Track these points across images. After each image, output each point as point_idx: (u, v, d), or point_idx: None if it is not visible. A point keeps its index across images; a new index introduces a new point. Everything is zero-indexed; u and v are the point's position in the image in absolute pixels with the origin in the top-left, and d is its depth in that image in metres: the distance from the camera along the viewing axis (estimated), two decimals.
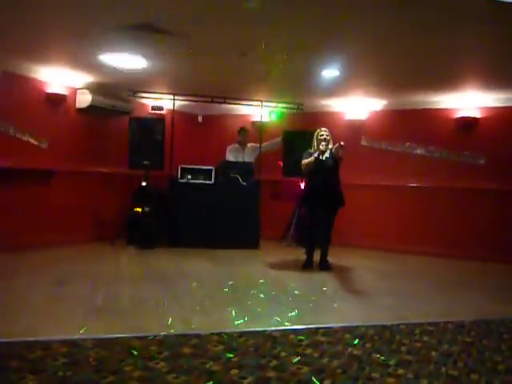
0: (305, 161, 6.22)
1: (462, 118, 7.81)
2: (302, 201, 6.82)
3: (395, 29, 4.66)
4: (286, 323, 3.85)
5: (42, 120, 7.09)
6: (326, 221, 6.28)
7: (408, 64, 5.94)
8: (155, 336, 3.41)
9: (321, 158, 6.13)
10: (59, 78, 7.14)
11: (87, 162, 7.71)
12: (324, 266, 6.31)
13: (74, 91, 7.50)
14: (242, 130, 8.67)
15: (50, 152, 7.13)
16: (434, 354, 3.31)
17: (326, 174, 6.15)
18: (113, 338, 3.34)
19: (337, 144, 5.97)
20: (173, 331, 3.55)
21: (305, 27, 4.67)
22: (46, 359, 2.92)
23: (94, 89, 7.54)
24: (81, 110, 7.57)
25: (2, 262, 5.93)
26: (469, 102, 7.69)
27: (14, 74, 6.63)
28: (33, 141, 6.92)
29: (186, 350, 3.16)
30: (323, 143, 6.11)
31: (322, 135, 6.20)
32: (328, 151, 6.16)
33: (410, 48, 5.27)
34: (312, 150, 6.24)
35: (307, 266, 6.30)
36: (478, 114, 7.74)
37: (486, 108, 7.70)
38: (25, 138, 6.81)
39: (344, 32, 4.81)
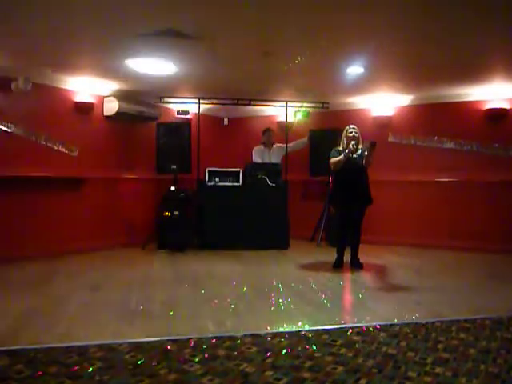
0: (334, 159, 6.13)
1: (491, 109, 7.66)
2: (330, 199, 6.76)
3: (421, 23, 4.59)
4: (319, 323, 3.83)
5: (72, 129, 7.22)
6: (356, 219, 6.24)
7: (434, 57, 5.85)
8: (189, 339, 3.43)
9: (351, 155, 6.06)
10: (87, 86, 7.26)
11: (116, 168, 7.81)
12: (355, 264, 6.26)
13: (101, 99, 7.61)
14: (267, 131, 8.67)
15: (80, 160, 7.24)
16: (472, 351, 3.24)
17: (355, 172, 6.09)
18: (148, 342, 3.37)
19: (367, 142, 5.90)
20: (207, 334, 3.57)
21: (328, 24, 4.64)
22: (83, 364, 2.96)
23: (120, 96, 7.64)
24: (108, 117, 7.68)
25: (36, 270, 6.04)
26: (497, 93, 7.53)
27: (43, 85, 6.76)
28: (63, 149, 7.04)
29: (221, 353, 3.17)
30: (353, 142, 6.02)
31: (351, 132, 6.13)
32: (360, 150, 6.09)
33: (436, 41, 5.18)
34: (341, 148, 6.17)
35: (338, 265, 6.26)
36: (507, 105, 7.57)
37: None
38: (56, 147, 6.94)
39: (368, 28, 4.76)
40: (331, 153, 6.22)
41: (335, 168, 6.17)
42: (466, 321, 3.92)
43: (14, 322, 3.86)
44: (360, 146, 6.11)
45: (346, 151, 6.03)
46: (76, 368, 2.89)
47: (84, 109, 7.36)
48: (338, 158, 6.09)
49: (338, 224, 6.52)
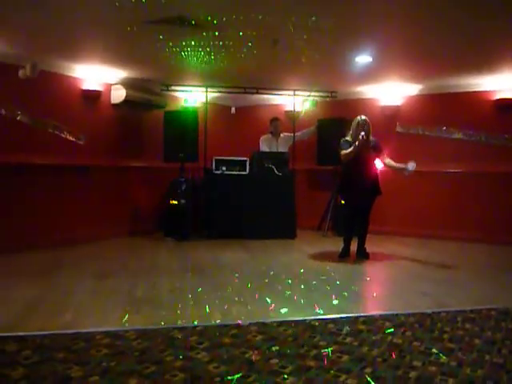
0: (345, 151, 6.02)
1: (501, 99, 7.59)
2: (339, 190, 6.75)
3: (430, 12, 4.55)
4: (325, 312, 3.84)
5: (79, 116, 7.22)
6: (364, 210, 6.23)
7: (443, 46, 5.80)
8: (195, 327, 3.46)
9: (363, 147, 6.00)
10: (94, 74, 7.25)
11: (123, 156, 7.82)
12: (362, 254, 6.26)
13: (109, 87, 7.61)
14: (274, 120, 8.64)
15: (88, 148, 7.25)
16: (477, 341, 3.25)
17: (365, 163, 6.05)
18: (154, 329, 3.39)
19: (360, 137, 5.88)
20: (213, 322, 3.59)
21: (336, 12, 4.61)
22: (90, 350, 2.99)
23: (127, 84, 7.64)
24: (116, 105, 7.67)
25: (44, 258, 6.10)
26: (507, 83, 7.45)
27: (51, 73, 6.76)
28: (71, 137, 7.05)
29: (226, 340, 3.19)
30: (362, 133, 5.89)
31: (362, 124, 5.98)
32: (371, 141, 6.04)
33: (445, 31, 5.13)
34: (350, 138, 6.07)
35: (344, 254, 6.26)
36: None
37: None
38: (63, 135, 6.95)
39: (376, 16, 4.72)
40: (341, 143, 6.11)
41: (346, 159, 6.10)
42: (471, 311, 3.93)
43: (22, 309, 3.90)
44: (371, 138, 6.06)
45: (356, 143, 5.92)
46: (83, 354, 2.92)
47: (91, 96, 7.35)
48: (348, 150, 5.98)
49: (345, 214, 6.53)
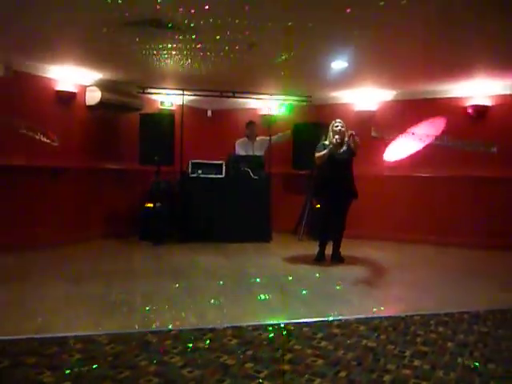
0: (319, 154, 6.12)
1: (473, 106, 7.73)
2: (314, 193, 6.79)
3: (404, 18, 4.61)
4: (300, 316, 3.85)
5: (53, 118, 7.11)
6: (339, 213, 6.27)
7: (417, 53, 5.89)
8: (170, 331, 3.43)
9: (337, 151, 6.06)
10: (69, 75, 7.15)
11: (98, 158, 7.73)
12: (337, 258, 6.30)
13: (84, 89, 7.52)
14: (250, 124, 8.65)
15: (62, 149, 7.15)
16: (449, 344, 3.29)
17: (340, 167, 6.09)
18: (128, 334, 3.36)
19: (350, 134, 5.94)
20: (187, 326, 3.57)
21: (313, 18, 4.63)
22: (63, 355, 2.94)
23: (103, 86, 7.56)
24: (91, 107, 7.58)
25: (16, 261, 5.97)
26: (480, 90, 7.60)
27: (24, 73, 6.65)
28: (44, 139, 6.95)
29: (201, 345, 3.17)
30: (337, 136, 6.02)
31: (337, 126, 6.10)
32: (345, 145, 6.10)
33: (419, 37, 5.21)
34: (327, 142, 6.14)
35: (320, 258, 6.29)
36: (489, 102, 7.66)
37: (497, 96, 7.61)
38: (37, 136, 6.84)
39: (352, 22, 4.76)
40: (317, 147, 6.20)
41: (319, 162, 6.17)
42: (444, 314, 3.98)
43: None
44: (346, 140, 6.11)
45: (330, 146, 6.03)
46: (55, 359, 2.87)
47: (66, 98, 7.25)
48: (322, 153, 6.08)
49: (321, 218, 6.55)
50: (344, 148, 6.10)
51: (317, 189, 6.53)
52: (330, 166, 6.08)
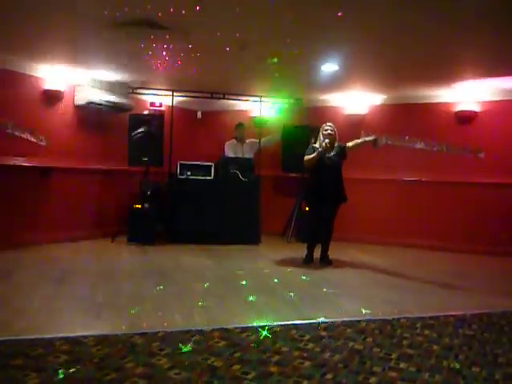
0: (308, 157, 6.14)
1: (461, 111, 7.81)
2: (304, 197, 6.82)
3: (393, 23, 4.65)
4: (287, 318, 3.86)
5: (41, 117, 7.07)
6: (328, 217, 6.29)
7: (407, 58, 5.93)
8: (157, 332, 3.42)
9: (327, 154, 6.09)
10: (57, 74, 7.10)
11: (86, 159, 7.69)
12: (325, 260, 6.32)
13: (72, 88, 7.48)
14: (239, 126, 8.66)
15: (49, 149, 7.11)
16: (435, 347, 3.32)
17: (330, 170, 6.12)
18: (114, 335, 3.34)
19: (372, 138, 6.10)
20: (174, 328, 3.56)
21: (303, 22, 4.65)
22: (48, 357, 2.92)
23: (92, 85, 7.52)
24: (79, 106, 7.54)
25: (2, 261, 5.93)
26: (468, 95, 7.68)
27: (11, 72, 6.60)
28: (32, 138, 6.90)
29: (188, 347, 3.16)
30: (327, 140, 6.04)
31: (326, 130, 6.12)
32: (336, 148, 6.13)
33: (408, 42, 5.25)
34: (317, 145, 6.16)
35: (308, 261, 6.31)
36: (477, 108, 7.73)
37: (485, 102, 7.69)
38: (24, 136, 6.79)
39: (343, 26, 4.79)
40: (307, 150, 6.22)
41: (308, 165, 6.19)
42: (430, 318, 4.01)
43: None
44: (336, 144, 6.15)
45: (320, 149, 6.05)
46: (41, 361, 2.85)
47: (53, 97, 7.20)
48: (311, 156, 6.10)
49: (310, 221, 6.57)
50: (334, 152, 6.13)
51: (307, 192, 6.56)
52: (319, 169, 6.11)
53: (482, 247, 7.42)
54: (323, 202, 6.18)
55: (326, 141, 6.04)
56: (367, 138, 6.27)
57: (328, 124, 6.20)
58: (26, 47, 5.94)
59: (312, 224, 6.48)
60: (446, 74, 6.64)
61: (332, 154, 6.13)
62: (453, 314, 4.14)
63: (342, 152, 6.18)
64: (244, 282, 5.14)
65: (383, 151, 8.27)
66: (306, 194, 6.70)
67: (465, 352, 3.24)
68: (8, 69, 6.50)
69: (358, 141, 6.27)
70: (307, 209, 7.39)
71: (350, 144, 6.22)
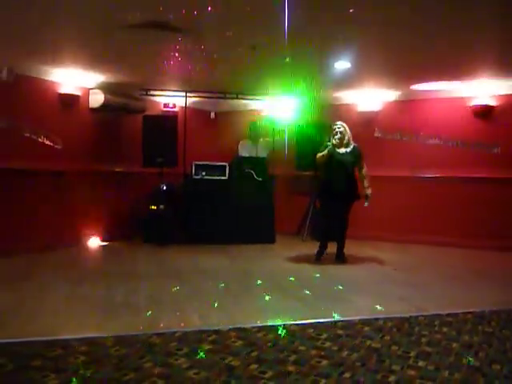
0: (319, 154, 6.18)
1: (477, 106, 7.71)
2: (318, 195, 6.83)
3: (407, 18, 4.60)
4: (304, 317, 3.85)
5: (57, 121, 7.14)
6: (341, 215, 6.27)
7: (421, 53, 5.87)
8: (174, 333, 3.43)
9: (337, 150, 6.12)
10: (72, 78, 7.17)
11: (102, 161, 7.74)
12: (341, 258, 6.31)
13: (87, 91, 7.54)
14: (253, 125, 8.66)
15: (65, 152, 7.17)
16: (454, 345, 3.29)
17: (341, 167, 6.12)
18: (132, 336, 3.36)
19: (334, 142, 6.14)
20: (192, 327, 3.57)
21: (315, 19, 4.64)
22: (67, 358, 2.95)
23: (106, 88, 7.58)
24: (94, 109, 7.61)
25: (21, 263, 6.00)
26: (483, 89, 7.58)
27: (27, 76, 6.67)
28: (48, 142, 6.97)
29: (206, 346, 3.17)
30: (336, 136, 6.12)
31: (334, 129, 6.20)
32: (350, 146, 6.18)
33: (422, 37, 5.20)
34: (330, 143, 6.18)
35: (319, 257, 6.36)
36: (492, 102, 7.63)
37: (501, 96, 7.59)
38: (40, 139, 6.86)
39: (355, 23, 4.76)
40: (321, 148, 6.25)
41: (319, 162, 6.25)
42: (448, 315, 3.97)
43: None
44: (351, 142, 6.19)
45: (330, 146, 6.10)
46: (60, 362, 2.88)
47: (69, 101, 7.28)
48: (321, 153, 6.16)
49: (322, 218, 6.58)
50: (346, 149, 6.16)
51: (319, 189, 6.59)
52: (330, 166, 6.16)
53: (499, 243, 7.32)
54: (334, 199, 6.19)
55: (336, 137, 6.13)
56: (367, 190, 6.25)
57: (338, 122, 6.29)
58: (41, 52, 5.98)
59: (323, 222, 6.53)
60: (463, 67, 6.55)
61: (344, 151, 6.16)
62: (471, 310, 4.10)
63: (357, 152, 6.20)
64: (260, 282, 5.13)
65: (398, 148, 8.23)
66: (318, 191, 6.73)
67: (484, 349, 3.20)
68: (24, 74, 6.56)
69: (365, 183, 6.26)
70: (318, 206, 7.41)
71: (363, 172, 6.29)
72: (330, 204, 6.29)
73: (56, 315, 3.86)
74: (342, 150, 6.15)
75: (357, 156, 6.20)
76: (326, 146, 6.17)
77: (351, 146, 6.19)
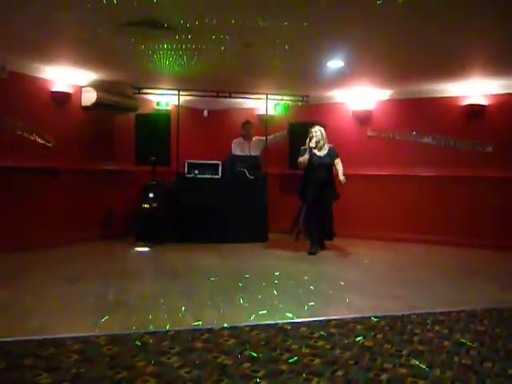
0: (300, 158, 6.63)
1: (469, 105, 7.74)
2: (299, 194, 7.04)
3: (399, 17, 4.62)
4: (297, 315, 3.85)
5: (49, 118, 7.11)
6: (324, 211, 6.66)
7: (413, 52, 5.90)
8: (167, 331, 3.43)
9: (317, 154, 6.57)
10: (64, 76, 7.14)
11: (94, 159, 7.72)
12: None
13: (79, 89, 7.51)
14: (246, 124, 8.66)
15: (57, 150, 7.14)
16: (446, 343, 3.30)
17: (321, 170, 6.55)
18: (125, 334, 3.35)
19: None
20: (184, 326, 3.56)
21: (308, 17, 4.64)
22: (60, 356, 2.93)
23: (98, 86, 7.55)
24: (86, 107, 7.58)
25: (13, 262, 5.96)
26: (475, 89, 7.62)
27: (20, 74, 6.64)
28: (40, 139, 6.94)
29: (198, 345, 3.17)
30: (313, 140, 6.56)
31: (311, 132, 6.61)
32: (326, 148, 6.62)
33: (414, 36, 5.22)
34: (307, 147, 6.61)
35: (313, 252, 6.64)
36: (484, 102, 7.67)
37: (492, 95, 7.63)
38: (32, 137, 6.83)
39: (347, 22, 4.77)
40: (300, 151, 6.70)
41: (301, 166, 6.70)
42: (441, 313, 3.99)
43: None
44: (326, 145, 6.64)
45: (308, 149, 6.55)
46: (52, 360, 2.86)
47: (61, 98, 7.24)
48: (302, 158, 6.60)
49: (308, 218, 6.97)
50: (324, 152, 6.61)
51: (302, 190, 6.93)
52: (312, 169, 6.62)
53: (492, 242, 7.38)
54: (316, 200, 6.61)
55: (313, 140, 6.56)
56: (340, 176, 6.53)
57: (314, 127, 6.70)
58: (33, 49, 5.96)
59: (310, 221, 6.87)
60: (455, 67, 6.59)
61: (322, 154, 6.61)
62: (463, 309, 4.12)
63: (332, 153, 6.65)
64: (252, 280, 5.14)
65: (391, 147, 8.25)
66: (301, 192, 7.00)
67: (476, 348, 3.21)
68: (16, 71, 6.53)
69: (339, 169, 6.61)
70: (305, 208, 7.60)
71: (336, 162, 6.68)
72: (312, 206, 6.69)
73: (49, 314, 3.84)
74: (320, 153, 6.58)
75: (332, 156, 6.63)
76: (305, 150, 6.60)
77: (327, 148, 6.63)
